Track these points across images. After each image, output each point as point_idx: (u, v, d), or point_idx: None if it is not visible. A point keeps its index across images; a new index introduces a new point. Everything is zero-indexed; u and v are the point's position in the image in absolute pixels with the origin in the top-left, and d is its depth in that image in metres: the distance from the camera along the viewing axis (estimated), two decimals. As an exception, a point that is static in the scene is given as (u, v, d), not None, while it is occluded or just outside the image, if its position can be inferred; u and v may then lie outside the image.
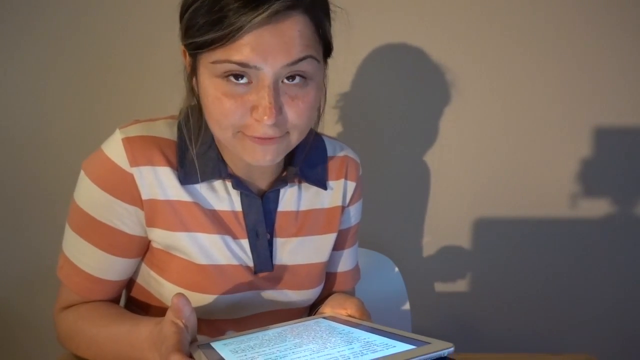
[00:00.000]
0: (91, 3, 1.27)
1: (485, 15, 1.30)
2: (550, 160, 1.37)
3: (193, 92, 0.71)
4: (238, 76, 0.63)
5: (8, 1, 1.26)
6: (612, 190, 1.38)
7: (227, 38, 0.60)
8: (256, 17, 0.58)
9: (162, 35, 1.26)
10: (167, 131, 0.74)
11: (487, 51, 1.32)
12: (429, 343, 0.50)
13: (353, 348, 0.52)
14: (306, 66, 0.64)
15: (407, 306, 1.16)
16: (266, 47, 0.61)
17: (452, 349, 0.49)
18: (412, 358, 0.47)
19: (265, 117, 0.62)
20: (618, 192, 1.38)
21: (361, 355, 0.49)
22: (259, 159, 0.67)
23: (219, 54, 0.62)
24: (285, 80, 0.64)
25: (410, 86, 1.34)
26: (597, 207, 1.39)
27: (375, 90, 1.34)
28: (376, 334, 0.56)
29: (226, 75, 0.63)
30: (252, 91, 0.63)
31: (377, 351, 0.50)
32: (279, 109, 0.64)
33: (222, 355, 0.55)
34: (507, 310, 1.44)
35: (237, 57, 0.61)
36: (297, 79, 0.64)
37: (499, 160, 1.37)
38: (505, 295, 1.43)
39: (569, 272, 1.42)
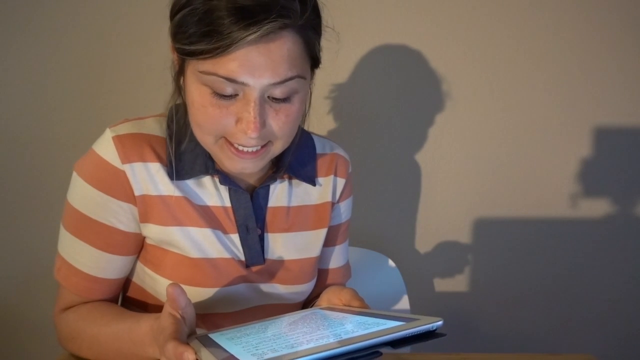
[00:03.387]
0: (91, 2, 1.27)
1: (485, 14, 1.31)
2: (550, 160, 1.37)
3: (180, 89, 0.72)
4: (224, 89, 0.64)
5: (7, 1, 1.26)
6: (612, 190, 1.38)
7: (216, 52, 0.61)
8: (247, 36, 0.60)
9: (162, 34, 1.26)
10: (156, 128, 0.75)
11: (487, 50, 1.32)
12: (418, 319, 0.51)
13: (345, 327, 0.53)
14: (292, 85, 0.65)
15: (406, 306, 1.16)
16: (254, 64, 0.62)
17: (440, 322, 0.50)
18: (400, 332, 0.48)
19: (249, 131, 0.64)
20: (618, 192, 1.38)
21: (352, 333, 0.50)
22: (238, 168, 0.70)
23: (207, 65, 0.63)
24: (272, 96, 0.66)
25: (410, 84, 1.34)
26: (597, 207, 1.39)
27: (375, 89, 1.34)
28: (369, 316, 0.57)
29: (213, 86, 0.64)
30: (238, 103, 0.65)
31: (368, 328, 0.51)
32: (262, 123, 0.65)
33: (218, 342, 0.56)
34: (507, 310, 1.44)
35: (224, 72, 0.62)
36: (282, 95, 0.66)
37: (499, 160, 1.37)
38: (505, 295, 1.43)
39: (569, 272, 1.42)
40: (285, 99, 0.66)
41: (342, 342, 0.47)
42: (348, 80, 1.33)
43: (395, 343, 0.48)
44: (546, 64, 1.33)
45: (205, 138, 0.69)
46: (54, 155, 1.32)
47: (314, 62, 0.70)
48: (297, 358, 0.45)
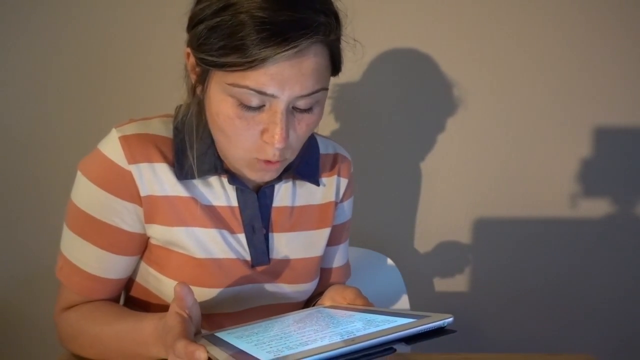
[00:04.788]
0: (92, 2, 1.27)
1: (486, 16, 1.31)
2: (551, 160, 1.37)
3: (194, 92, 0.72)
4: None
5: (7, 1, 1.26)
6: (612, 190, 1.38)
7: (249, 65, 0.61)
8: (282, 52, 0.60)
9: (163, 34, 1.26)
10: (162, 128, 0.75)
11: (488, 51, 1.32)
12: (429, 316, 0.52)
13: (355, 325, 0.53)
14: (317, 96, 0.66)
15: (406, 306, 1.16)
16: (285, 77, 0.62)
17: (451, 319, 0.50)
18: (411, 329, 0.49)
19: (276, 142, 0.65)
20: (618, 192, 1.38)
21: (364, 330, 0.50)
22: (259, 177, 0.72)
23: (236, 77, 0.63)
24: (295, 107, 0.66)
25: (411, 85, 1.34)
26: (597, 207, 1.39)
27: (376, 89, 1.34)
28: (376, 314, 0.57)
29: (241, 98, 0.64)
30: (264, 114, 0.65)
31: (378, 326, 0.51)
32: (287, 133, 0.66)
33: (227, 340, 0.56)
34: (507, 310, 1.44)
35: (255, 85, 0.63)
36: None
37: (499, 160, 1.37)
38: (505, 295, 1.43)
39: (569, 272, 1.42)
40: (308, 109, 0.67)
41: (356, 339, 0.47)
42: (349, 80, 1.33)
43: (409, 339, 0.49)
44: (546, 64, 1.33)
45: (234, 152, 0.69)
46: (55, 155, 1.32)
47: (335, 71, 0.71)
48: (315, 355, 0.45)
